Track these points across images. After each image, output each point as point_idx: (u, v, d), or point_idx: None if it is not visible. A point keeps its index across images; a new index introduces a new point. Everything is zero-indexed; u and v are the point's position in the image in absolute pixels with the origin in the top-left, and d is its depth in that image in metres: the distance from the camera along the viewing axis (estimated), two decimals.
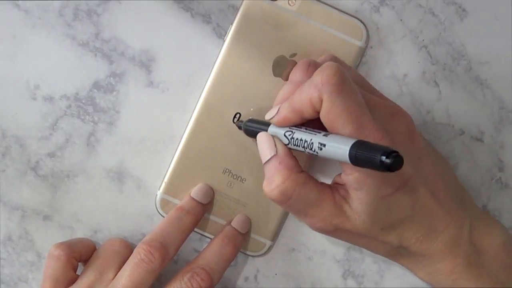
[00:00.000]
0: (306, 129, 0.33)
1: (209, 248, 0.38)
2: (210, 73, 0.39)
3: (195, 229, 0.40)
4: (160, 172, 0.41)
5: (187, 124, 0.40)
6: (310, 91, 0.32)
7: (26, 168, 0.41)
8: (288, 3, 0.39)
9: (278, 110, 0.34)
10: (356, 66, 0.40)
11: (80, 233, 0.42)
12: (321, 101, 0.31)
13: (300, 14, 0.39)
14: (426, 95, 0.41)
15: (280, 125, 0.34)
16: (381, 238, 0.34)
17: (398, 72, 0.41)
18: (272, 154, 0.34)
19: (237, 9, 0.39)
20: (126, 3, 0.41)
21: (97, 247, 0.40)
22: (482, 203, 0.42)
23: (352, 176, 0.32)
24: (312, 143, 0.31)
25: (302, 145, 0.32)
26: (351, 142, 0.29)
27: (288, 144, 0.34)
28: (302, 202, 0.33)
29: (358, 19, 0.39)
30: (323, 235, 0.35)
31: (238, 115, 0.39)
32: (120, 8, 0.41)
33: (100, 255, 0.39)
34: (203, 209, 0.39)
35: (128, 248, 0.39)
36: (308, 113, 0.33)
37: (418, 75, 0.41)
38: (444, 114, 0.41)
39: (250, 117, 0.38)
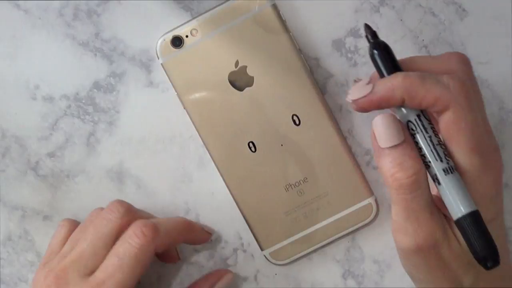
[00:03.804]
0: (430, 134, 0.32)
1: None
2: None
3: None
4: (160, 172, 0.41)
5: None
6: (438, 90, 0.31)
7: (26, 168, 0.41)
8: (191, 33, 0.39)
9: (382, 84, 0.32)
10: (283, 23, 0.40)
11: None
12: (446, 107, 0.31)
13: (207, 33, 0.39)
14: None
15: (378, 103, 0.32)
16: (460, 271, 0.33)
17: None
18: (402, 140, 0.32)
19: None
20: (126, 3, 0.41)
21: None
22: None
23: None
24: (431, 165, 0.32)
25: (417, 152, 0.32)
26: (468, 209, 0.30)
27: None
28: (420, 201, 0.32)
29: None
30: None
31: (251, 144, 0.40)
32: (120, 8, 0.41)
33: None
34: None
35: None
36: (417, 106, 0.31)
37: None
38: None
39: (386, 45, 0.33)
